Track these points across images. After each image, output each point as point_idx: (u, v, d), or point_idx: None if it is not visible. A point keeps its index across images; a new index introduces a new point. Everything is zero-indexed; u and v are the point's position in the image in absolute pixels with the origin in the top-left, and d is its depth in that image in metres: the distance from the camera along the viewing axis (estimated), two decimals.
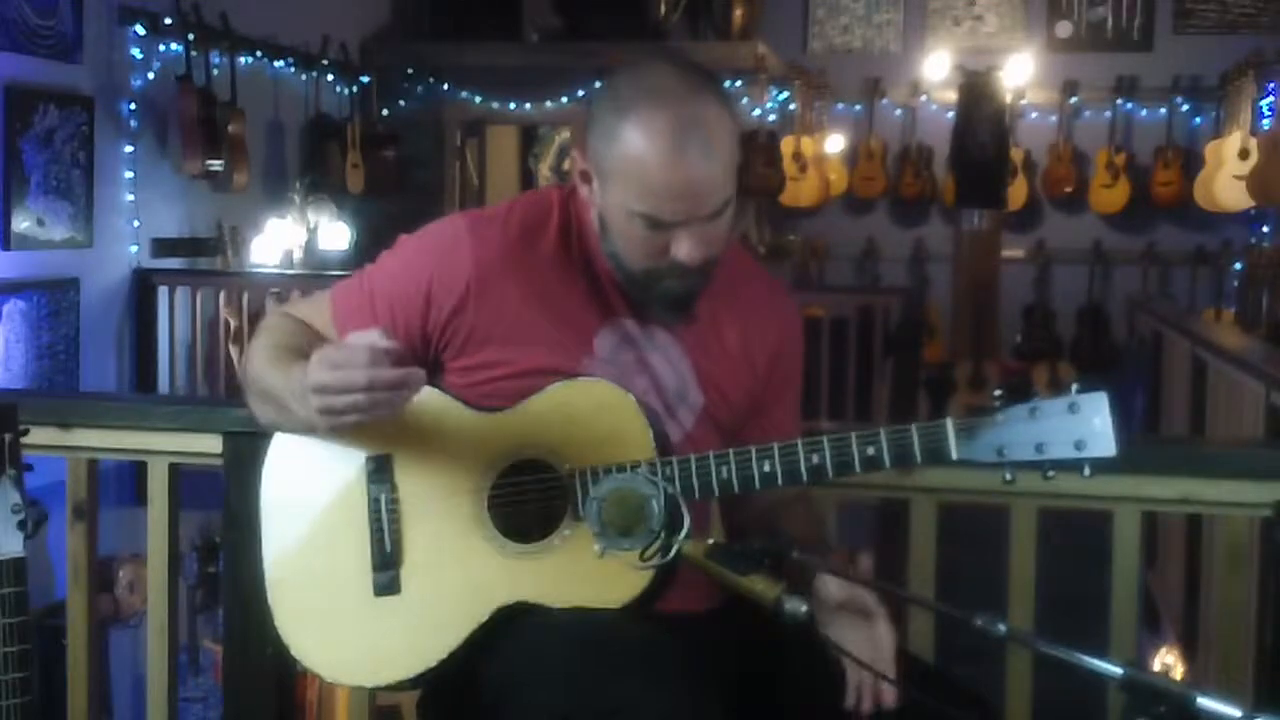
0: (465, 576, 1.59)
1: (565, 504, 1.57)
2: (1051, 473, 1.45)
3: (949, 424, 1.47)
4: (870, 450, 1.49)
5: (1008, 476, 1.47)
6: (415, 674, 1.61)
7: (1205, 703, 1.06)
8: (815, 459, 1.50)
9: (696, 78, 1.57)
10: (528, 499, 1.60)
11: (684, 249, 1.56)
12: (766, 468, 1.52)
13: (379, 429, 1.59)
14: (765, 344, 1.75)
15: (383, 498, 1.63)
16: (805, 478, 1.52)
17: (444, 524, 1.61)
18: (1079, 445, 1.43)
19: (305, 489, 1.68)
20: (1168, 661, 4.89)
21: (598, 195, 1.61)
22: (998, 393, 1.46)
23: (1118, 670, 1.11)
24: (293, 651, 1.66)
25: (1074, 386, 1.44)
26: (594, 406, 1.59)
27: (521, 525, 1.59)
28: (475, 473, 1.60)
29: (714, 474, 1.53)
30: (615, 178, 1.56)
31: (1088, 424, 1.42)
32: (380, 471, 1.63)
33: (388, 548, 1.62)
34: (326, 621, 1.64)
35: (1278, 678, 2.09)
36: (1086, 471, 1.43)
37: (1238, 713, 1.05)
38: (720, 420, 1.71)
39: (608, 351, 1.66)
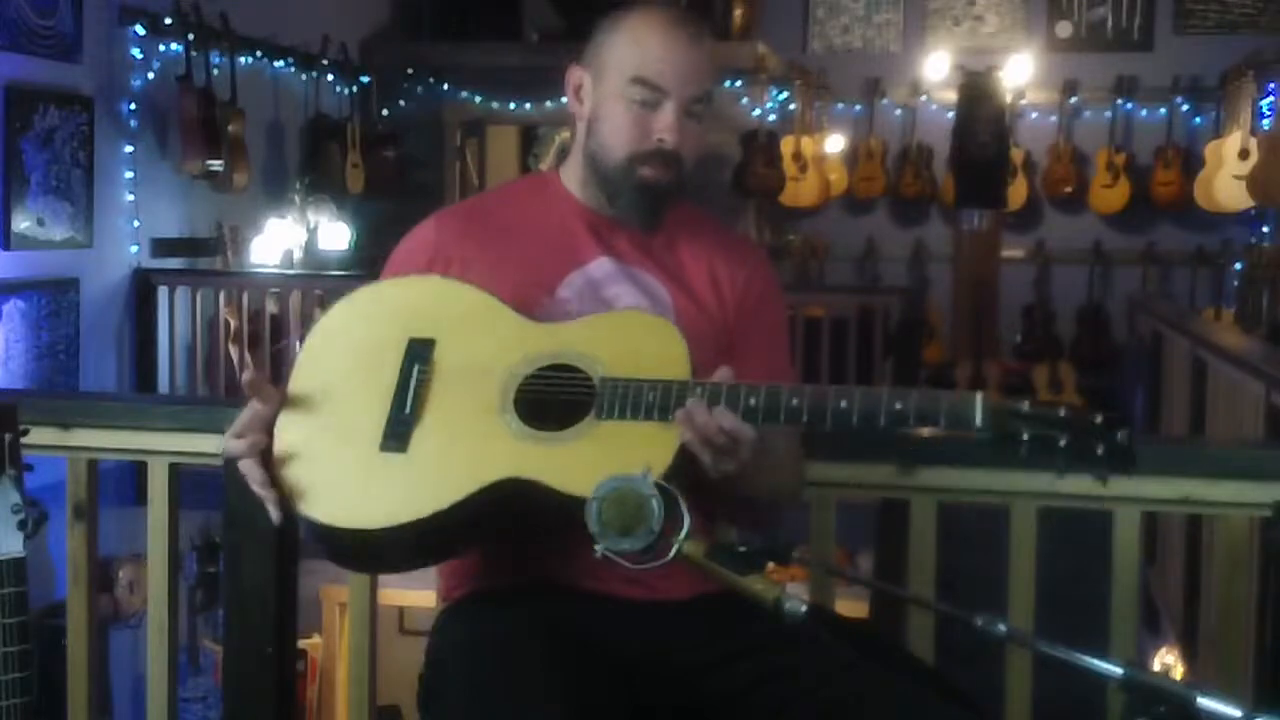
0: (473, 447, 1.59)
1: (588, 407, 1.58)
2: (1065, 475, 1.45)
3: (978, 396, 1.48)
4: (898, 405, 1.50)
5: (1023, 452, 1.46)
6: (393, 524, 1.56)
7: (1205, 703, 1.06)
8: (844, 404, 1.51)
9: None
10: (554, 394, 1.61)
11: (664, 122, 1.70)
12: (794, 402, 1.53)
13: (429, 317, 1.69)
14: (735, 284, 1.81)
15: (415, 369, 1.65)
16: (830, 422, 1.52)
17: (467, 400, 1.62)
18: (1100, 451, 1.43)
19: (345, 349, 1.71)
20: (1168, 661, 4.89)
21: (590, 98, 1.77)
22: (1027, 401, 1.47)
23: (1118, 670, 1.11)
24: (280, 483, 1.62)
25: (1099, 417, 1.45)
26: (643, 330, 1.66)
27: (542, 418, 1.60)
28: (512, 364, 1.63)
29: (742, 400, 1.53)
30: (611, 60, 1.73)
31: (1111, 437, 1.43)
32: (420, 351, 1.67)
33: (406, 410, 1.62)
34: (323, 464, 1.62)
35: (1278, 678, 2.09)
36: (1104, 481, 1.45)
37: (1238, 713, 1.05)
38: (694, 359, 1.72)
39: (573, 291, 1.75)
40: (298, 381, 1.69)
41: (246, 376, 1.66)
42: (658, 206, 1.77)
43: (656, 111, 1.71)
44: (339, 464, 1.62)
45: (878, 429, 1.52)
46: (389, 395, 1.64)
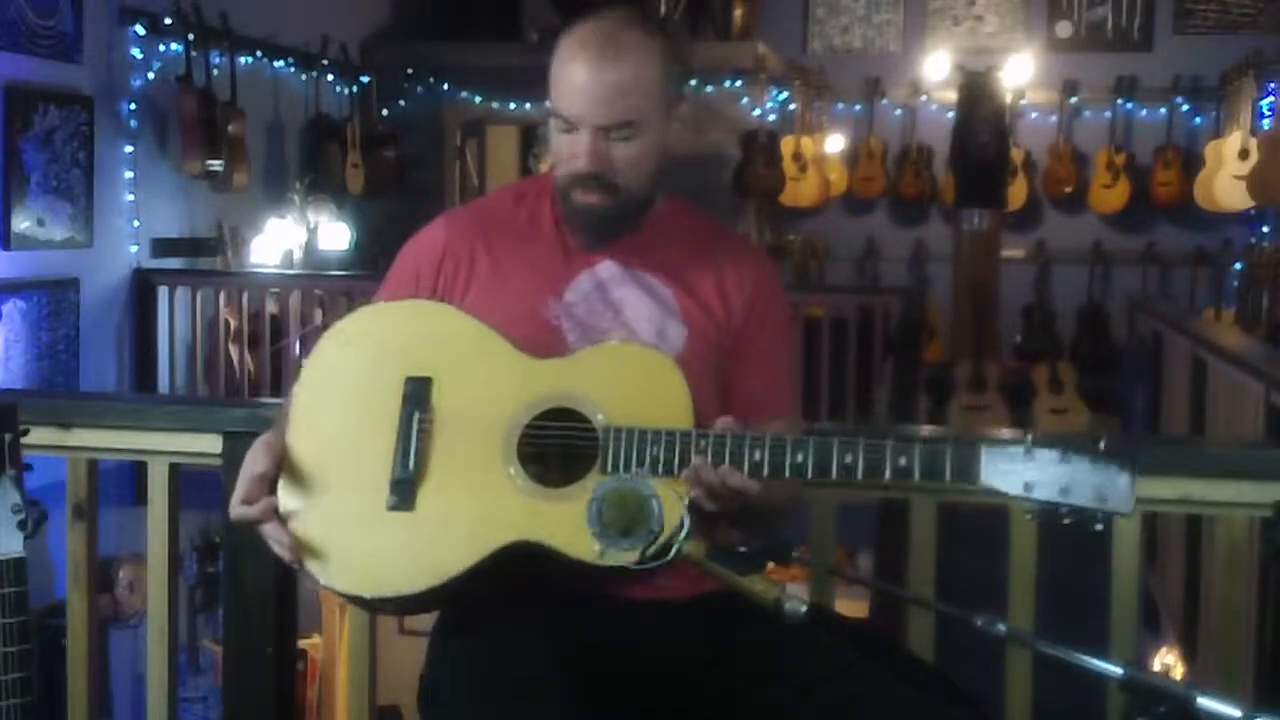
0: (482, 507, 1.59)
1: (593, 457, 1.58)
2: (1068, 520, 1.46)
3: (982, 448, 1.48)
4: (903, 461, 1.51)
5: (1028, 516, 1.48)
6: (407, 594, 1.58)
7: (1205, 703, 1.06)
8: (849, 459, 1.52)
9: (637, 15, 1.71)
10: (556, 444, 1.61)
11: (578, 148, 1.68)
12: (799, 458, 1.53)
13: (423, 350, 1.67)
14: (742, 289, 1.79)
15: (416, 416, 1.63)
16: (835, 474, 1.53)
17: (472, 452, 1.61)
18: (1101, 498, 1.43)
19: (341, 393, 1.69)
20: (1168, 661, 4.90)
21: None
22: (1029, 436, 1.47)
23: (1118, 670, 1.11)
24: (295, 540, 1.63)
25: (1102, 443, 1.44)
26: (642, 369, 1.64)
27: (545, 468, 1.60)
28: (513, 410, 1.62)
29: (746, 455, 1.53)
30: (550, 85, 1.73)
31: (1113, 480, 1.43)
32: (419, 393, 1.65)
33: (410, 465, 1.61)
34: (331, 524, 1.62)
35: (1278, 678, 2.09)
36: (1099, 527, 1.45)
37: (1238, 713, 1.05)
38: (701, 360, 1.73)
39: (579, 295, 1.75)
40: (297, 435, 1.67)
41: (258, 472, 1.64)
42: (595, 227, 1.75)
43: (576, 136, 1.70)
44: (348, 527, 1.62)
45: (882, 482, 1.54)
46: (391, 447, 1.63)
